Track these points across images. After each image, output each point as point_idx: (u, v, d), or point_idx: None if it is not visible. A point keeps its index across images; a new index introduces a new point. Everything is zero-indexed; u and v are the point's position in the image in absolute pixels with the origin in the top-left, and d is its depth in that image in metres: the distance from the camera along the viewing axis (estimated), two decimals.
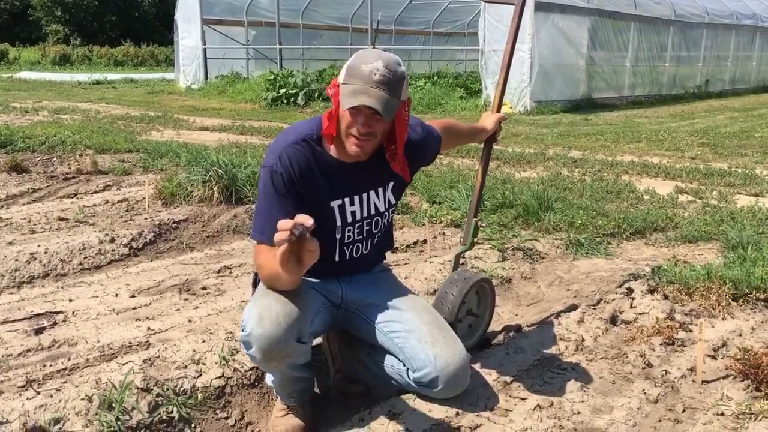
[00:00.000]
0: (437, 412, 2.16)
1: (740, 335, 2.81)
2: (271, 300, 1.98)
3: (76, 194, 5.39)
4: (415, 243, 4.11)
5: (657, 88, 16.75)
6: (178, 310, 3.01)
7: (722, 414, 2.23)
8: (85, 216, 4.60)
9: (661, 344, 2.74)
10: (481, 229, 4.24)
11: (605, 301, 3.17)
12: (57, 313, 2.93)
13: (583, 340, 2.79)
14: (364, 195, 2.24)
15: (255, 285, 2.39)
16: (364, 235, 2.30)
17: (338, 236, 2.24)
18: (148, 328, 2.75)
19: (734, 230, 4.15)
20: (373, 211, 2.28)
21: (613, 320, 2.99)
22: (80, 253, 3.86)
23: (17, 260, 3.64)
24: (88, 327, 2.78)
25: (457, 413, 2.16)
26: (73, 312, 2.95)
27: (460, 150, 7.62)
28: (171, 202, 4.99)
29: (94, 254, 3.90)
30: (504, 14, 12.49)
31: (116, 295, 3.19)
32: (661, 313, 2.98)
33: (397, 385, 2.30)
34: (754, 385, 2.36)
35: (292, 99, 13.97)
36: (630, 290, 3.22)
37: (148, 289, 3.29)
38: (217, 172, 4.98)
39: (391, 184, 2.31)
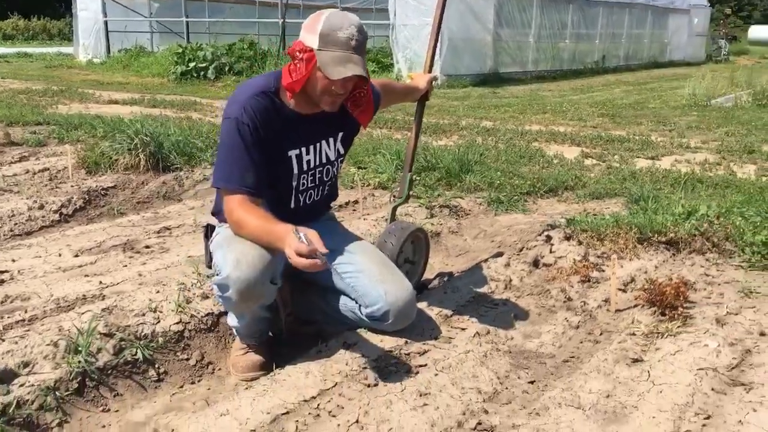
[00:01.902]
0: (388, 341, 2.37)
1: (646, 272, 3.15)
2: (246, 245, 2.14)
3: None
4: (347, 203, 4.29)
5: (558, 64, 17.50)
6: (126, 266, 3.09)
7: (634, 334, 2.54)
8: (8, 185, 4.52)
9: (578, 282, 3.05)
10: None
11: (527, 248, 3.46)
12: (2, 272, 2.94)
13: (510, 280, 3.07)
14: (317, 144, 2.41)
15: (207, 237, 2.52)
16: (316, 182, 2.47)
17: (294, 183, 2.40)
18: (100, 282, 2.83)
19: (636, 186, 4.55)
20: (324, 160, 2.46)
21: (536, 263, 3.29)
22: (10, 220, 3.83)
23: None
24: (37, 283, 2.82)
25: (406, 342, 2.38)
26: (19, 271, 2.97)
27: (377, 120, 7.82)
28: (95, 170, 4.96)
29: (24, 221, 3.87)
30: None
31: (59, 255, 3.21)
32: (577, 256, 3.29)
33: (349, 322, 2.49)
34: (660, 311, 2.70)
35: (202, 73, 13.74)
36: (549, 237, 3.53)
37: (90, 249, 3.33)
38: (143, 140, 4.97)
39: (340, 135, 2.49)
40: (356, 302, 2.41)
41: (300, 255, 1.89)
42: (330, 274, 2.45)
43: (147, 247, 3.38)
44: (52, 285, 2.80)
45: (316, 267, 1.90)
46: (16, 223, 3.82)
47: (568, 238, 3.52)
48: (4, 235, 3.69)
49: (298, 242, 1.91)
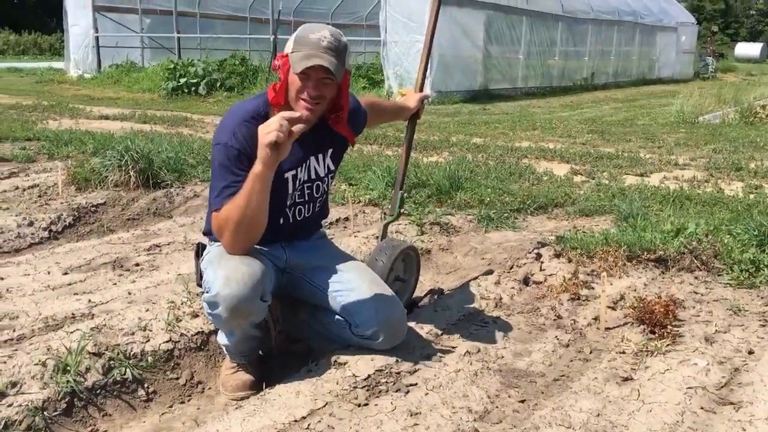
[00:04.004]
0: (379, 360, 2.36)
1: (635, 290, 3.17)
2: (236, 262, 2.14)
3: None
4: (337, 220, 4.30)
5: (548, 80, 17.64)
6: (115, 284, 3.07)
7: (623, 352, 2.55)
8: None
9: (568, 300, 3.06)
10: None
11: (517, 266, 3.47)
12: None
13: (500, 298, 3.08)
14: (308, 161, 2.42)
15: (198, 256, 2.52)
16: (306, 198, 2.48)
17: (288, 202, 2.41)
18: (89, 301, 2.81)
19: (625, 204, 4.58)
20: (313, 176, 2.47)
21: (526, 281, 3.30)
22: None
23: None
24: (26, 302, 2.81)
25: (397, 360, 2.37)
26: (7, 289, 2.95)
27: (367, 136, 7.85)
28: (85, 187, 4.94)
29: (13, 237, 3.86)
30: (405, 7, 12.85)
31: (48, 273, 3.20)
32: (567, 273, 3.31)
33: (340, 340, 2.49)
34: (649, 329, 2.71)
35: (194, 89, 13.77)
36: (539, 255, 3.54)
37: (80, 266, 3.32)
38: (133, 157, 4.96)
39: (330, 151, 2.50)
40: (346, 321, 2.41)
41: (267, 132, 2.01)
42: (321, 291, 2.45)
43: (137, 264, 3.37)
44: (41, 303, 2.79)
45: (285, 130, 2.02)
46: (5, 240, 3.80)
47: (557, 255, 3.54)
48: None
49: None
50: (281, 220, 2.44)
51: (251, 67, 15.15)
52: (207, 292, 2.16)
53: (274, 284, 2.44)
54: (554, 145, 7.96)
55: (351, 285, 2.41)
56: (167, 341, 2.50)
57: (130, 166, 4.96)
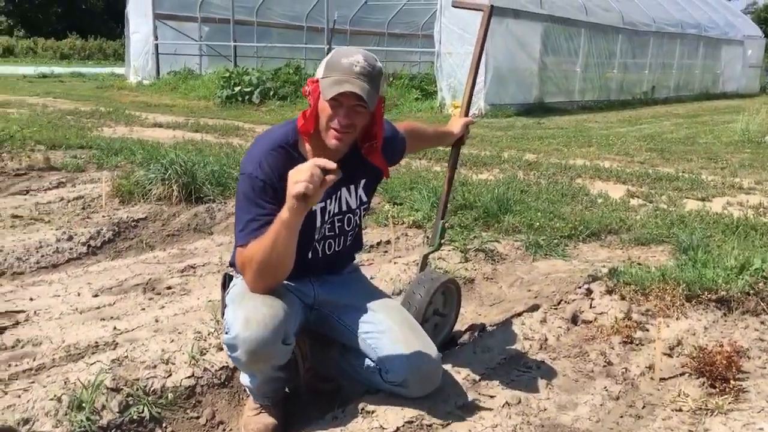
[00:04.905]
0: (410, 410, 2.19)
1: (694, 334, 2.93)
2: (257, 302, 2.00)
3: (28, 191, 5.26)
4: (378, 243, 4.15)
5: (606, 94, 17.17)
6: (144, 309, 2.99)
7: (680, 410, 2.33)
8: (40, 213, 4.51)
9: (620, 343, 2.84)
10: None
11: (566, 302, 3.26)
12: (18, 312, 2.87)
13: (546, 339, 2.88)
14: (338, 192, 2.28)
15: (225, 287, 2.39)
16: (336, 231, 2.33)
17: (317, 236, 2.27)
18: (114, 328, 2.72)
19: (685, 233, 4.30)
20: (345, 208, 2.32)
21: (574, 320, 3.09)
22: (37, 252, 3.79)
23: None
24: (51, 326, 2.74)
25: (429, 411, 2.20)
26: (35, 311, 2.89)
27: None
28: (129, 200, 4.91)
29: (51, 252, 3.83)
30: (460, 18, 12.64)
31: (78, 294, 3.14)
32: (620, 313, 3.08)
33: (369, 384, 2.33)
34: (709, 382, 2.47)
35: (247, 97, 13.85)
36: (589, 291, 3.32)
37: (111, 288, 3.25)
38: (176, 170, 4.92)
39: (362, 182, 2.34)
40: (376, 365, 2.25)
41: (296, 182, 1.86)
42: (350, 331, 2.30)
43: (168, 288, 3.28)
44: (66, 329, 2.71)
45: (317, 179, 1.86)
46: (42, 255, 3.78)
47: (610, 291, 3.31)
48: (30, 268, 3.64)
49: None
50: (310, 255, 2.30)
51: (305, 76, 15.17)
52: (227, 333, 2.03)
53: (302, 321, 2.30)
54: (610, 164, 7.66)
55: (382, 327, 2.25)
56: (189, 376, 2.39)
57: (174, 180, 4.91)
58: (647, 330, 2.97)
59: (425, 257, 2.97)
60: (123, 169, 5.95)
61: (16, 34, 40.85)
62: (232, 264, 2.38)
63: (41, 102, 12.81)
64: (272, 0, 19.68)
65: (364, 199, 2.39)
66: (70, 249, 3.91)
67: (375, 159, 2.25)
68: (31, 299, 3.05)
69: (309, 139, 2.16)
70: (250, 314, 1.98)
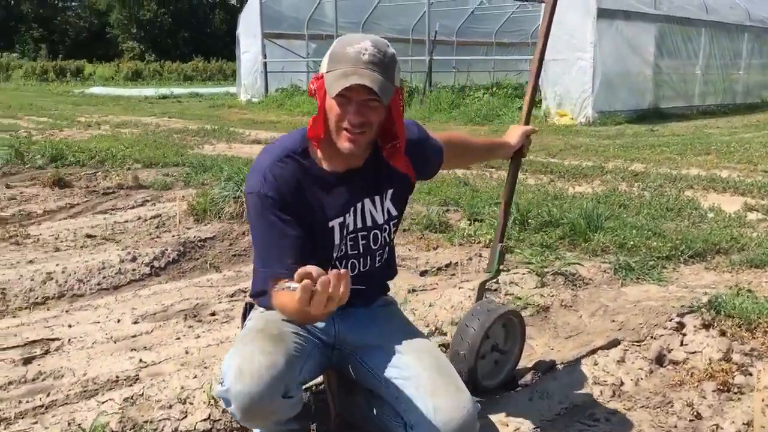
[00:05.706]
0: None
1: None
2: (255, 348, 1.74)
3: (114, 209, 5.33)
4: (447, 265, 3.82)
5: (730, 97, 15.92)
6: (179, 338, 2.82)
7: None
8: (113, 233, 4.51)
9: (713, 391, 2.38)
10: (520, 251, 3.94)
11: (652, 337, 2.80)
12: (53, 340, 2.78)
13: (622, 383, 2.46)
14: (359, 204, 1.98)
15: (245, 317, 2.16)
16: (360, 249, 2.02)
17: (335, 254, 1.98)
18: (140, 360, 2.57)
19: None
20: (369, 223, 2.01)
21: (660, 360, 2.64)
22: (99, 273, 3.74)
23: (33, 280, 3.54)
24: (80, 357, 2.62)
25: None
26: (69, 339, 2.79)
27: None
28: (203, 218, 4.85)
29: (113, 274, 3.77)
30: (567, 23, 12.04)
31: (119, 320, 3.02)
32: (717, 352, 2.60)
33: None
34: None
35: None
36: (681, 324, 2.85)
37: (154, 314, 3.11)
38: None
39: (389, 192, 2.03)
40: (401, 417, 1.93)
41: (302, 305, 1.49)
42: (374, 375, 1.99)
43: (212, 314, 3.11)
44: (93, 360, 2.58)
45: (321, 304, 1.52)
46: (104, 277, 3.72)
47: (707, 325, 2.82)
48: (90, 290, 3.59)
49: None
50: None
51: (408, 89, 15.01)
52: (220, 385, 1.76)
53: (322, 364, 2.03)
54: (729, 173, 6.91)
55: (407, 372, 1.92)
56: (206, 419, 2.18)
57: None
58: (750, 374, 2.48)
59: (482, 285, 2.63)
60: (208, 186, 5.94)
61: (147, 58, 43.44)
62: (253, 295, 2.15)
63: (155, 122, 13.33)
64: (379, 14, 19.74)
65: (393, 212, 2.07)
66: (133, 270, 3.84)
67: (398, 162, 1.95)
68: (70, 326, 2.96)
69: (320, 145, 1.89)
70: (244, 364, 1.70)
